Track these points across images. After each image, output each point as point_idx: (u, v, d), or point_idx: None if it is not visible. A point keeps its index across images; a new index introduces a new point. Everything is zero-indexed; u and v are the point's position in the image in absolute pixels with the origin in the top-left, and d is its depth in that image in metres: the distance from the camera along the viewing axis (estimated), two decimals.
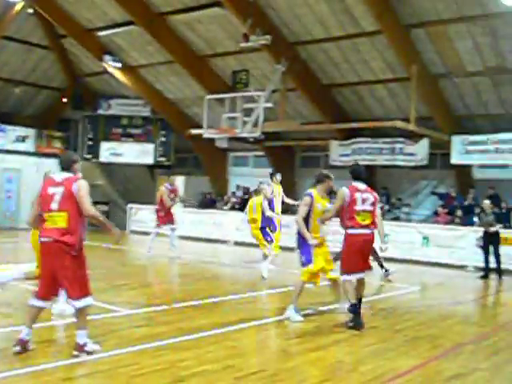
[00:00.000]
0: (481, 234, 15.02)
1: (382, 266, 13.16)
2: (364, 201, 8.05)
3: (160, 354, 6.28)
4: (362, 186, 8.21)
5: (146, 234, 17.98)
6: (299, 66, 18.13)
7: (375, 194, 8.28)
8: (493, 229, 14.65)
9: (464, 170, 19.11)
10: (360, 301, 8.16)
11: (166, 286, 12.10)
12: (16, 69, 24.46)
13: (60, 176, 6.19)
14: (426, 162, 18.52)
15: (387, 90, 18.58)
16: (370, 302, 10.29)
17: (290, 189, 22.74)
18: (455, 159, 18.11)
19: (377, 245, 8.70)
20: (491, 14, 14.64)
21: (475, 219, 17.00)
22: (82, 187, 6.04)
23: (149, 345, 6.57)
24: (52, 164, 24.34)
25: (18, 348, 5.94)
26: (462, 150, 17.89)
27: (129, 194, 26.35)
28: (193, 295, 10.02)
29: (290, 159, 23.67)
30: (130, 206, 23.97)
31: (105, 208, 25.78)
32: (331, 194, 9.11)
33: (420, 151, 18.49)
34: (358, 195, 8.03)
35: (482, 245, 14.86)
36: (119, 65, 22.56)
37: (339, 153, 20.28)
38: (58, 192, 6.03)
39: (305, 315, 8.51)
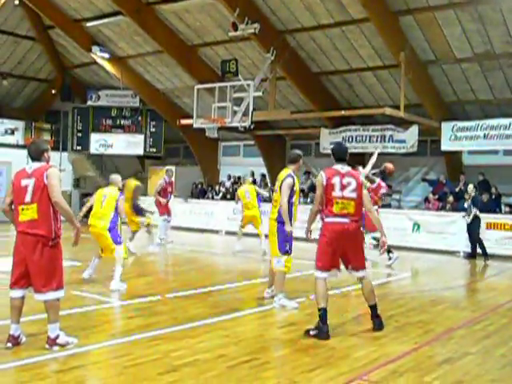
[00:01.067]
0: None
1: (389, 252, 13.16)
2: (344, 186, 6.89)
3: (153, 344, 6.29)
4: (343, 168, 7.05)
5: None
6: (288, 54, 18.08)
7: (361, 179, 7.17)
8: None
9: (454, 157, 19.19)
10: (373, 308, 7.22)
11: (159, 276, 12.10)
12: (3, 61, 24.30)
13: (31, 167, 6.07)
14: (415, 148, 18.56)
15: (376, 78, 18.57)
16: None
17: None
18: (445, 146, 18.15)
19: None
20: (479, 0, 14.64)
21: (465, 205, 17.11)
22: (52, 175, 5.93)
23: (142, 335, 6.58)
24: None
25: (9, 344, 5.92)
26: (451, 137, 17.92)
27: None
28: (185, 285, 10.04)
29: (281, 148, 23.67)
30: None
31: None
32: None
33: (410, 138, 18.52)
34: (336, 179, 6.90)
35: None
36: (107, 55, 22.46)
37: (329, 141, 20.25)
38: (30, 184, 5.93)
39: (298, 303, 8.55)
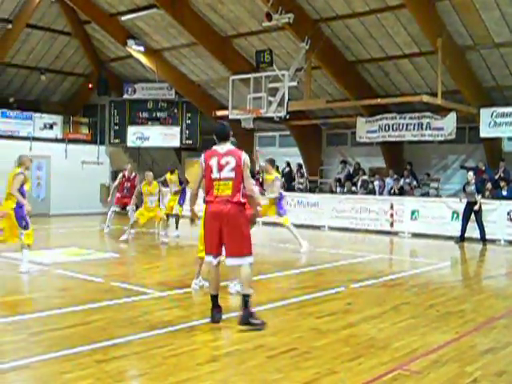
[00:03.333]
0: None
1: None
2: (222, 167, 6.61)
3: (192, 334, 6.33)
4: (223, 148, 6.76)
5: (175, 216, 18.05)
6: (323, 43, 17.94)
7: (244, 157, 6.69)
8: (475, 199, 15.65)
9: (493, 143, 18.87)
10: (243, 298, 6.78)
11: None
12: (41, 56, 24.65)
13: None
14: (454, 136, 18.29)
15: (413, 65, 18.33)
16: (403, 279, 10.27)
17: (316, 167, 22.75)
18: (484, 132, 17.85)
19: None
20: None
21: (504, 193, 16.86)
22: None
23: (181, 326, 6.62)
24: (80, 150, 24.70)
25: None
26: (490, 123, 17.62)
27: (156, 178, 26.48)
28: (223, 276, 10.04)
29: (317, 137, 23.56)
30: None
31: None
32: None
33: (448, 125, 18.25)
34: (213, 161, 6.67)
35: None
36: (143, 49, 22.61)
37: (366, 129, 20.11)
38: None
39: (336, 293, 8.53)
